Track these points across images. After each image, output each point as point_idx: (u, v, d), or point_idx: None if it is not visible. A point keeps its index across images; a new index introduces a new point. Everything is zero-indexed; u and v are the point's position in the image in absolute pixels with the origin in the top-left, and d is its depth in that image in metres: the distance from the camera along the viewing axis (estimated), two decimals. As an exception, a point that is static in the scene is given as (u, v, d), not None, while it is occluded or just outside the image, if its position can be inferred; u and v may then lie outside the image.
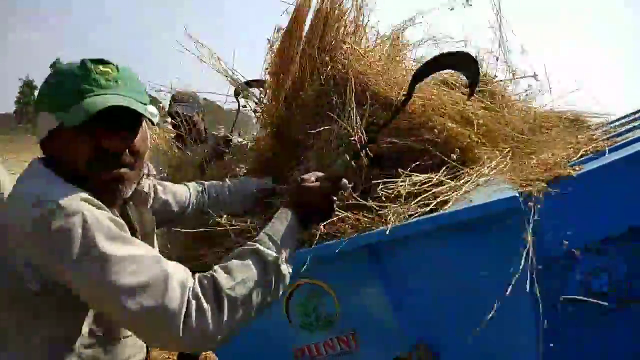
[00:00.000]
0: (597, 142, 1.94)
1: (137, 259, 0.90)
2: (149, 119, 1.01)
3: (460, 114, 1.73)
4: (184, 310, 0.87)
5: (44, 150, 1.05)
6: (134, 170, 1.03)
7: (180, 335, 0.86)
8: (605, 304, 1.50)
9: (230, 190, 1.76)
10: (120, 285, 0.87)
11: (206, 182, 1.77)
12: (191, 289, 0.91)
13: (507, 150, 1.77)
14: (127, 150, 1.01)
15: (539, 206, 1.47)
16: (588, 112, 2.35)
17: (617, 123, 2.33)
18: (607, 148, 1.76)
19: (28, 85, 65.92)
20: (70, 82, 0.97)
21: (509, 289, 1.36)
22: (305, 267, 1.44)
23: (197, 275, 0.97)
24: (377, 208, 1.51)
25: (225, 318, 0.92)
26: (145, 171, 1.07)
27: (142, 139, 1.05)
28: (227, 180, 1.81)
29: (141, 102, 1.00)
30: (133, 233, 1.07)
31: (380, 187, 1.55)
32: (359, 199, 1.55)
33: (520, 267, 1.36)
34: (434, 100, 1.74)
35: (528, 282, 1.38)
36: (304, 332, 1.59)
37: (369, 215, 1.51)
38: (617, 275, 1.58)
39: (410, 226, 1.44)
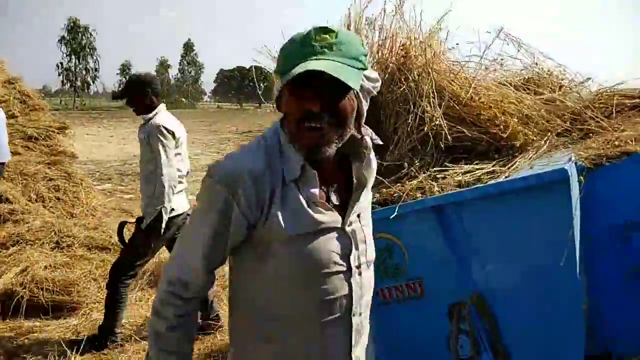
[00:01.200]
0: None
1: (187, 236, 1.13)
2: (351, 84, 0.99)
3: (521, 112, 1.99)
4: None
5: (279, 110, 1.17)
6: (334, 129, 1.04)
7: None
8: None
9: None
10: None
11: None
12: (171, 287, 1.07)
13: (555, 134, 2.03)
14: (329, 113, 1.02)
15: (595, 178, 1.60)
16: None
17: None
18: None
19: (162, 64, 72.96)
20: (292, 49, 1.05)
21: (558, 253, 1.53)
22: (381, 223, 1.75)
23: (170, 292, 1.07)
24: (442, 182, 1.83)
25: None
26: (368, 133, 1.12)
27: (349, 100, 1.04)
28: None
29: (353, 67, 1.01)
30: (349, 187, 1.15)
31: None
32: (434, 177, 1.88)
33: (569, 233, 1.52)
34: (499, 99, 2.00)
35: (574, 247, 1.53)
36: (377, 278, 1.88)
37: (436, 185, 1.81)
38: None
39: (470, 191, 1.67)
